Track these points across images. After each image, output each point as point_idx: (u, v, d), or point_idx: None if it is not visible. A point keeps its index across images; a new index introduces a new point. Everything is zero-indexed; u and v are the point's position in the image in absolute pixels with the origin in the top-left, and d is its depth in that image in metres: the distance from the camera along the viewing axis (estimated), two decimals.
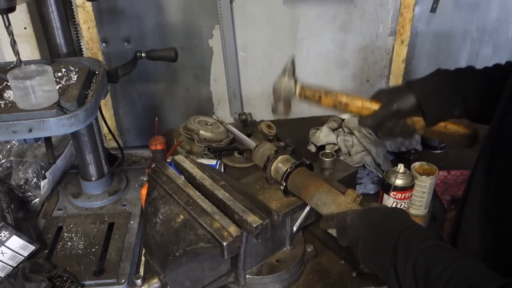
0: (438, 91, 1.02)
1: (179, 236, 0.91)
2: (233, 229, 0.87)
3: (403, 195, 1.16)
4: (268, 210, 1.00)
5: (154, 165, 1.13)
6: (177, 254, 0.89)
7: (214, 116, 1.29)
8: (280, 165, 1.04)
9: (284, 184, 1.02)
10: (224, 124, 1.21)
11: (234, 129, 1.16)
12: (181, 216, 0.94)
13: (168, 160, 1.19)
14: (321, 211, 0.96)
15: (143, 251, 1.18)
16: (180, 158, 1.12)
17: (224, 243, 0.84)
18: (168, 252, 0.91)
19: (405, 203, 1.17)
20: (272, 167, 1.05)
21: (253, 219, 0.88)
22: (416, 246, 0.72)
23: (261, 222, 0.88)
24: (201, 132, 1.56)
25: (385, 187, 1.16)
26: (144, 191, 1.24)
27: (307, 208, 1.07)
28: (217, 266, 0.99)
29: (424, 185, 1.19)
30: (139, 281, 0.92)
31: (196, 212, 0.93)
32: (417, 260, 0.69)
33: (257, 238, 0.91)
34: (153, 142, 1.48)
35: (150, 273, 0.94)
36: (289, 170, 1.01)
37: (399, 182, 1.14)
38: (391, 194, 1.15)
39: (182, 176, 1.07)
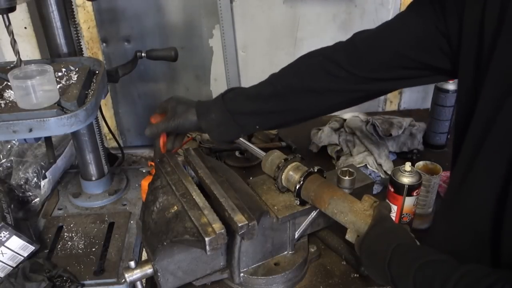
0: (218, 122, 1.06)
1: (169, 226, 0.92)
2: (217, 226, 0.87)
3: (415, 192, 1.13)
4: (265, 211, 0.99)
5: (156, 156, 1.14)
6: (165, 243, 0.90)
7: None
8: (292, 173, 1.01)
9: (298, 194, 0.99)
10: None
11: (243, 141, 1.13)
12: (175, 207, 0.94)
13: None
14: (339, 219, 0.91)
15: (143, 251, 1.18)
16: (189, 150, 1.12)
17: (206, 239, 0.84)
18: (159, 241, 0.91)
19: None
20: (283, 176, 1.02)
21: (239, 218, 0.88)
22: (412, 262, 0.70)
23: (247, 222, 0.88)
24: None
25: (399, 188, 1.11)
26: (144, 182, 1.24)
27: (312, 215, 1.06)
28: (212, 260, 0.99)
29: (429, 184, 1.19)
30: (132, 263, 0.92)
31: (189, 205, 0.93)
32: (416, 276, 0.68)
33: (242, 238, 0.91)
34: None
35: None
36: (301, 181, 0.97)
37: (412, 180, 1.10)
38: (414, 193, 1.11)
39: (186, 168, 1.07)
